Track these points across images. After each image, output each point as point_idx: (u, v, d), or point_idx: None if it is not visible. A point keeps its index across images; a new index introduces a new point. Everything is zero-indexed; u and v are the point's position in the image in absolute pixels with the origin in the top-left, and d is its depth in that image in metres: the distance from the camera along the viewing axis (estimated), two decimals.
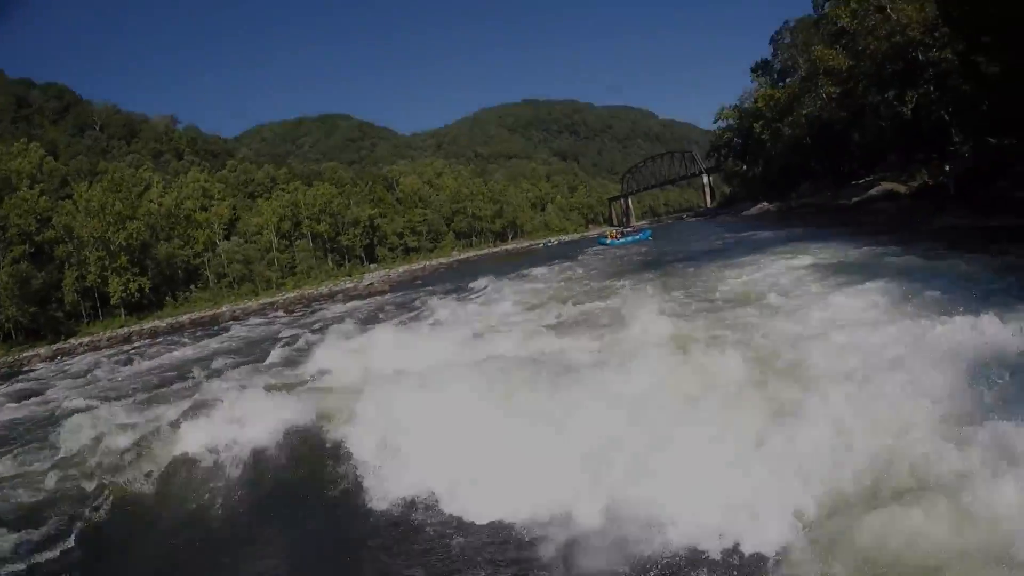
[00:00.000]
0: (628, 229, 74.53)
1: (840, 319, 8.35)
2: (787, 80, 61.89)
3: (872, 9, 34.35)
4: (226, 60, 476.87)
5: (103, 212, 58.80)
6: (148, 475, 7.45)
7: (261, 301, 60.84)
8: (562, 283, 23.81)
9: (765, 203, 61.12)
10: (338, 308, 35.51)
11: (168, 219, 67.75)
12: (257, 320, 38.99)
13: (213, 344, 26.16)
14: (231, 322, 41.98)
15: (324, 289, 62.87)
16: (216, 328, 38.15)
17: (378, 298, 39.84)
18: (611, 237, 59.15)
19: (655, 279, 18.38)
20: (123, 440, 8.44)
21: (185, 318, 56.57)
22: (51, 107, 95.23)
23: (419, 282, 51.34)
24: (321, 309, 37.89)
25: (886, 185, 38.86)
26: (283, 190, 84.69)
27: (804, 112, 50.40)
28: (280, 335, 23.86)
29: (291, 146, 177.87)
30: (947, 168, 33.96)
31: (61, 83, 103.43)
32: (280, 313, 42.90)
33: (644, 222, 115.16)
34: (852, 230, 24.19)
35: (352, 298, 45.38)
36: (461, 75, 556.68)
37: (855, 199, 40.67)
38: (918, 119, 35.93)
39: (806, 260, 15.61)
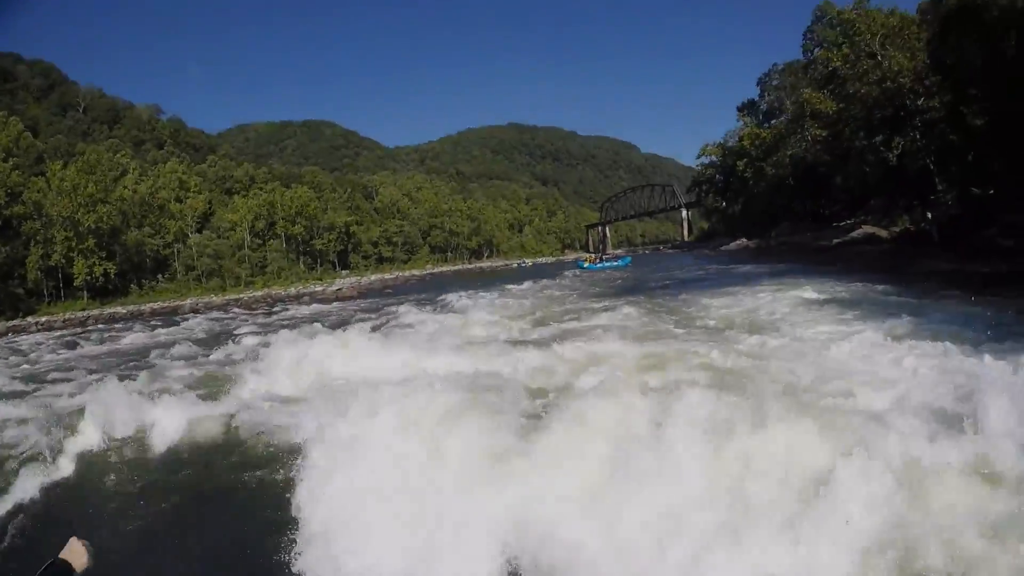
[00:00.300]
0: (607, 255, 74.14)
1: (864, 353, 7.35)
2: (772, 121, 62.45)
3: (864, 54, 34.29)
4: (217, 55, 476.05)
5: (75, 192, 56.98)
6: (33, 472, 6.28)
7: (227, 297, 59.31)
8: (541, 300, 22.97)
9: (744, 239, 61.02)
10: (302, 310, 34.62)
11: (141, 206, 66.06)
12: (217, 315, 38.06)
13: (163, 335, 25.02)
14: (191, 315, 40.99)
15: (292, 291, 61.49)
16: (176, 319, 37.16)
17: (345, 303, 39.24)
18: (590, 261, 58.67)
19: (641, 302, 17.26)
20: (12, 433, 7.20)
21: (147, 307, 54.82)
22: (36, 84, 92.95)
23: (389, 291, 50.34)
24: (284, 310, 36.93)
25: (868, 229, 38.80)
26: (260, 189, 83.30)
27: (789, 153, 50.54)
28: (236, 332, 22.66)
29: (274, 148, 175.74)
30: (929, 215, 33.91)
31: (48, 61, 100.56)
32: (241, 311, 41.54)
33: (621, 250, 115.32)
34: (838, 269, 23.60)
35: (318, 301, 44.51)
36: (449, 94, 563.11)
37: (836, 241, 40.49)
38: (903, 166, 35.87)
39: (802, 293, 14.98)
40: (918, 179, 36.04)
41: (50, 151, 68.49)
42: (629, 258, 63.26)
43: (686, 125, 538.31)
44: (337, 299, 45.09)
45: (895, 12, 35.31)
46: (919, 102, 31.75)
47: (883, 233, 36.86)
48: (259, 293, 61.40)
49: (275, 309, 39.46)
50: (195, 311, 46.15)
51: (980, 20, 24.86)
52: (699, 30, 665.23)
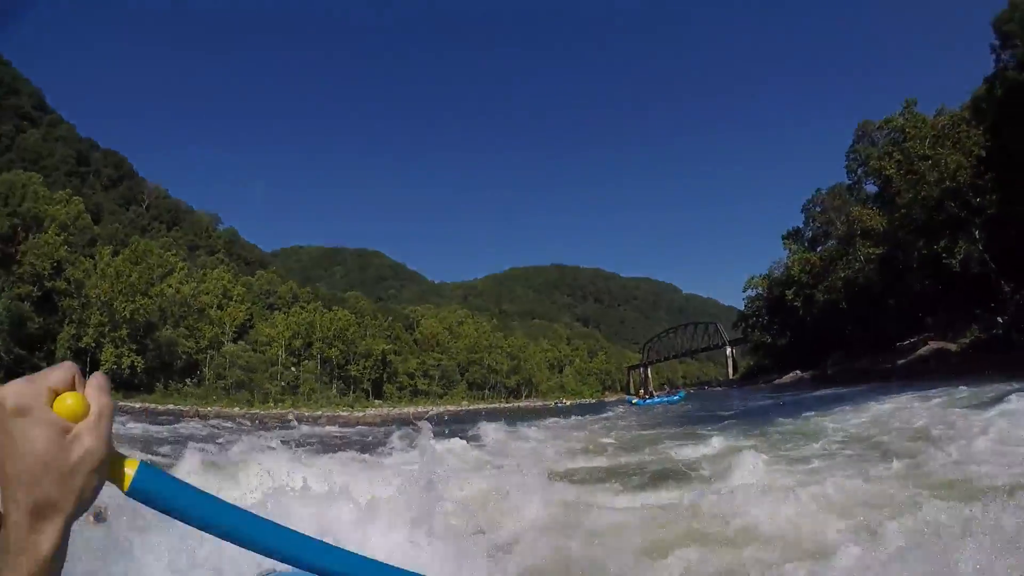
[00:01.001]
0: (660, 392, 71.25)
1: None
2: (819, 248, 61.51)
3: (916, 158, 33.71)
4: (280, 174, 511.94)
5: (117, 278, 57.92)
6: None
7: (251, 411, 57.68)
8: (595, 428, 20.16)
9: (798, 371, 58.07)
10: (316, 431, 30.87)
11: (181, 306, 66.60)
12: (217, 421, 36.40)
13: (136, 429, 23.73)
14: (195, 419, 39.89)
15: (318, 413, 59.26)
16: (173, 421, 35.47)
17: (362, 428, 35.73)
18: (644, 397, 56.28)
19: (726, 428, 15.10)
20: None
21: (156, 407, 53.25)
22: (107, 173, 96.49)
23: (415, 422, 46.82)
24: (295, 428, 33.49)
25: (934, 345, 36.26)
26: (302, 308, 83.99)
27: (841, 275, 49.02)
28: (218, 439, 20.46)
29: (323, 272, 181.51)
30: (1000, 320, 31.55)
31: (122, 154, 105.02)
32: (250, 424, 39.28)
33: (666, 389, 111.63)
34: (926, 383, 20.98)
35: (338, 424, 41.74)
36: (495, 232, 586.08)
37: (901, 361, 37.88)
38: (964, 272, 34.10)
39: (921, 402, 13.36)
40: (980, 285, 34.05)
41: (105, 237, 69.62)
42: (683, 392, 60.75)
43: (726, 265, 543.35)
44: (358, 423, 42.47)
45: (943, 111, 35.12)
46: (979, 199, 30.62)
47: (952, 347, 34.27)
48: (284, 411, 59.73)
49: (290, 426, 36.61)
50: (201, 417, 44.41)
51: None
52: (734, 168, 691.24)
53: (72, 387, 0.62)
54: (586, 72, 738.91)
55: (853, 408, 14.67)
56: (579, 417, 28.62)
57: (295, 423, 35.98)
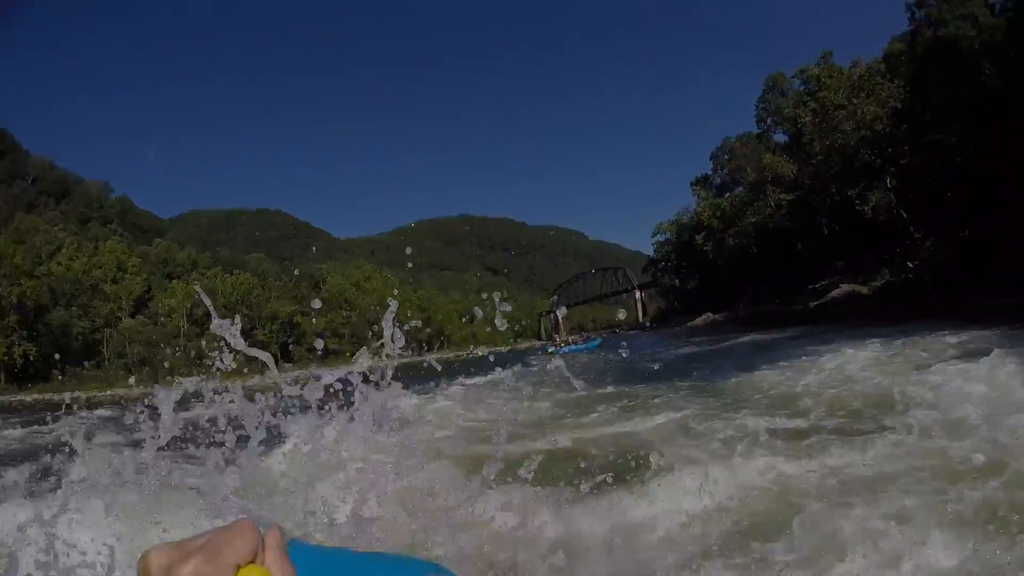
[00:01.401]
0: (575, 338, 71.33)
1: None
2: (726, 195, 62.48)
3: (832, 107, 33.88)
4: (174, 138, 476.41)
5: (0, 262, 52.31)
6: None
7: (147, 389, 53.09)
8: (515, 391, 16.94)
9: (710, 314, 59.33)
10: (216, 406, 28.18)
11: (73, 285, 61.15)
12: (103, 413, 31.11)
13: None
14: (69, 411, 34.18)
15: (225, 384, 55.74)
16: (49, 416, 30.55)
17: (265, 400, 32.73)
18: (559, 345, 55.90)
19: (665, 387, 12.79)
20: None
21: (53, 396, 47.67)
22: None
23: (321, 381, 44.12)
24: (191, 406, 30.15)
25: (846, 287, 37.35)
26: (202, 275, 78.62)
27: (752, 220, 49.87)
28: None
29: (224, 235, 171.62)
30: (911, 264, 32.70)
31: (2, 127, 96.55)
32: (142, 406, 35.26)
33: (577, 336, 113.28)
34: (857, 326, 20.74)
35: (247, 395, 38.25)
36: (401, 186, 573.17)
37: (813, 304, 38.86)
38: (874, 219, 35.00)
39: (865, 352, 12.28)
40: (889, 232, 35.15)
41: None
42: (600, 339, 60.82)
43: (632, 212, 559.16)
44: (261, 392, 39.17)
45: (859, 63, 35.49)
46: (890, 149, 31.21)
47: (863, 289, 35.43)
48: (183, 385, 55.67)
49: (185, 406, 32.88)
50: (91, 406, 39.56)
51: (958, 56, 24.23)
52: (640, 118, 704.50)
53: (254, 558, 0.53)
54: (488, 17, 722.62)
55: (799, 360, 13.22)
56: (493, 374, 25.61)
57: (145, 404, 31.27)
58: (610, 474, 6.04)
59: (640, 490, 5.46)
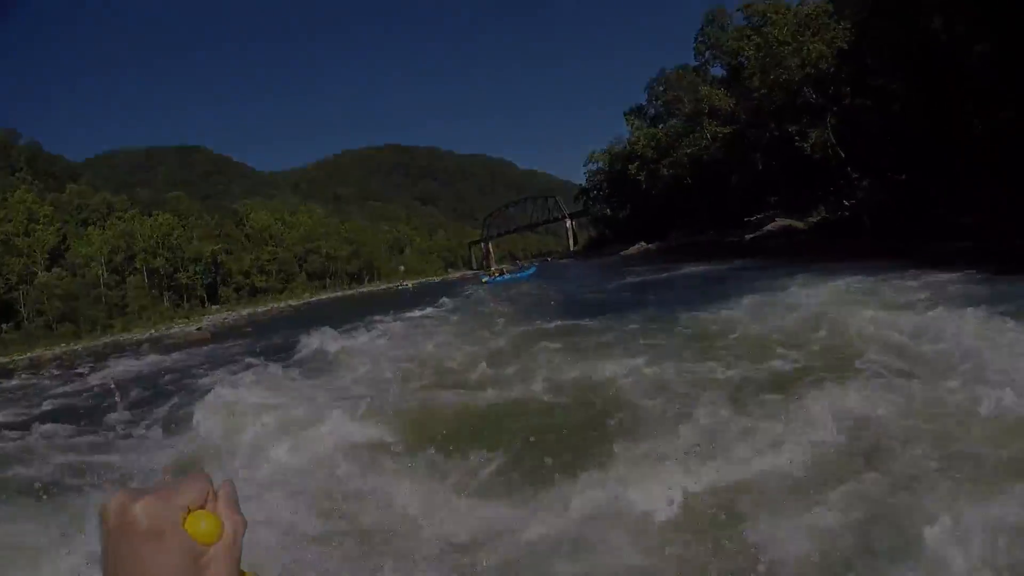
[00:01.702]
0: (510, 267, 70.59)
1: None
2: (661, 126, 62.16)
3: (777, 43, 33.61)
4: (83, 76, 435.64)
5: None
6: None
7: (79, 346, 49.99)
8: (452, 332, 14.55)
9: (643, 243, 59.97)
10: (129, 364, 24.41)
11: None
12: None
13: None
14: None
15: (148, 334, 52.58)
16: None
17: (183, 353, 27.13)
18: (494, 275, 54.98)
19: (648, 330, 11.43)
20: None
21: None
22: None
23: (249, 329, 40.78)
24: (104, 367, 25.19)
25: (782, 222, 38.19)
26: (119, 219, 73.59)
27: (687, 152, 49.97)
28: None
29: (143, 176, 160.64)
30: (846, 203, 33.60)
31: None
32: (53, 371, 30.21)
33: (507, 265, 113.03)
34: (806, 260, 20.78)
35: (166, 348, 32.73)
36: (324, 116, 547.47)
37: (749, 236, 39.62)
38: (811, 156, 35.54)
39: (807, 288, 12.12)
40: (824, 170, 35.89)
41: None
42: (535, 266, 60.57)
43: (563, 141, 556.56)
44: (189, 344, 33.90)
45: (807, 1, 35.17)
46: (832, 88, 31.43)
47: (800, 225, 36.32)
48: (106, 340, 52.50)
49: (102, 364, 27.39)
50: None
51: (909, 4, 24.14)
52: (571, 45, 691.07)
53: (205, 503, 0.59)
54: None
55: (753, 295, 12.34)
56: (428, 311, 22.23)
57: (116, 362, 26.50)
58: (568, 447, 5.37)
59: (607, 468, 4.77)
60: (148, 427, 9.09)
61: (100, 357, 35.34)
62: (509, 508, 4.54)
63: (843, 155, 32.52)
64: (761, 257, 28.58)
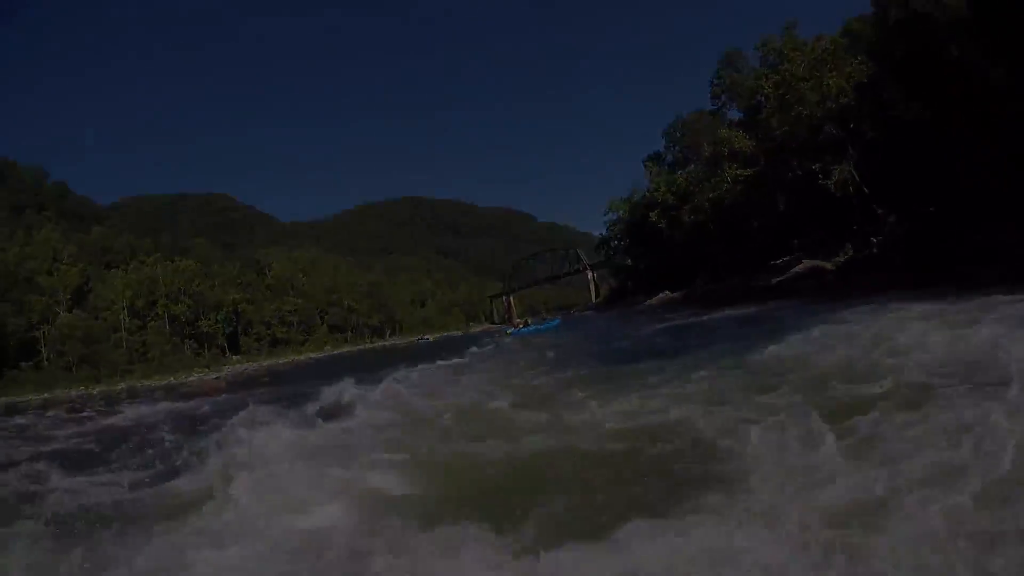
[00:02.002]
0: (533, 320, 70.21)
1: None
2: (680, 172, 61.97)
3: (795, 79, 33.39)
4: (114, 121, 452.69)
5: None
6: None
7: (97, 390, 49.65)
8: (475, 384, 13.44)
9: (667, 292, 58.80)
10: (139, 410, 23.67)
11: (4, 278, 57.29)
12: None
13: None
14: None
15: (166, 382, 52.32)
16: None
17: (197, 401, 25.36)
18: (518, 326, 55.30)
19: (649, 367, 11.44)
20: None
21: None
22: None
23: (267, 379, 40.09)
24: (115, 412, 24.58)
25: (808, 263, 37.06)
26: (142, 263, 74.32)
27: (709, 196, 49.47)
28: None
29: (167, 221, 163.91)
30: (874, 240, 32.61)
31: None
32: (61, 413, 29.34)
33: (529, 318, 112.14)
34: (843, 297, 20.00)
35: (180, 396, 32.15)
36: (348, 167, 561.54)
37: (776, 280, 38.49)
38: (834, 194, 34.79)
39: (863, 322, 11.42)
40: (850, 207, 35.06)
41: None
42: (559, 319, 60.40)
43: (582, 193, 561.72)
44: (204, 393, 33.31)
45: (823, 37, 35.11)
46: (852, 124, 30.97)
47: (828, 265, 35.21)
48: (123, 386, 52.17)
49: (113, 408, 27.10)
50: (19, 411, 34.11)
51: (927, 30, 23.77)
52: (590, 96, 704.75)
53: None
54: None
55: (802, 331, 11.70)
56: (454, 360, 21.89)
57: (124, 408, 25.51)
58: (629, 495, 4.58)
59: (682, 516, 4.01)
60: (145, 469, 8.41)
61: (113, 401, 35.55)
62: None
63: (867, 191, 31.75)
64: (795, 298, 27.76)
